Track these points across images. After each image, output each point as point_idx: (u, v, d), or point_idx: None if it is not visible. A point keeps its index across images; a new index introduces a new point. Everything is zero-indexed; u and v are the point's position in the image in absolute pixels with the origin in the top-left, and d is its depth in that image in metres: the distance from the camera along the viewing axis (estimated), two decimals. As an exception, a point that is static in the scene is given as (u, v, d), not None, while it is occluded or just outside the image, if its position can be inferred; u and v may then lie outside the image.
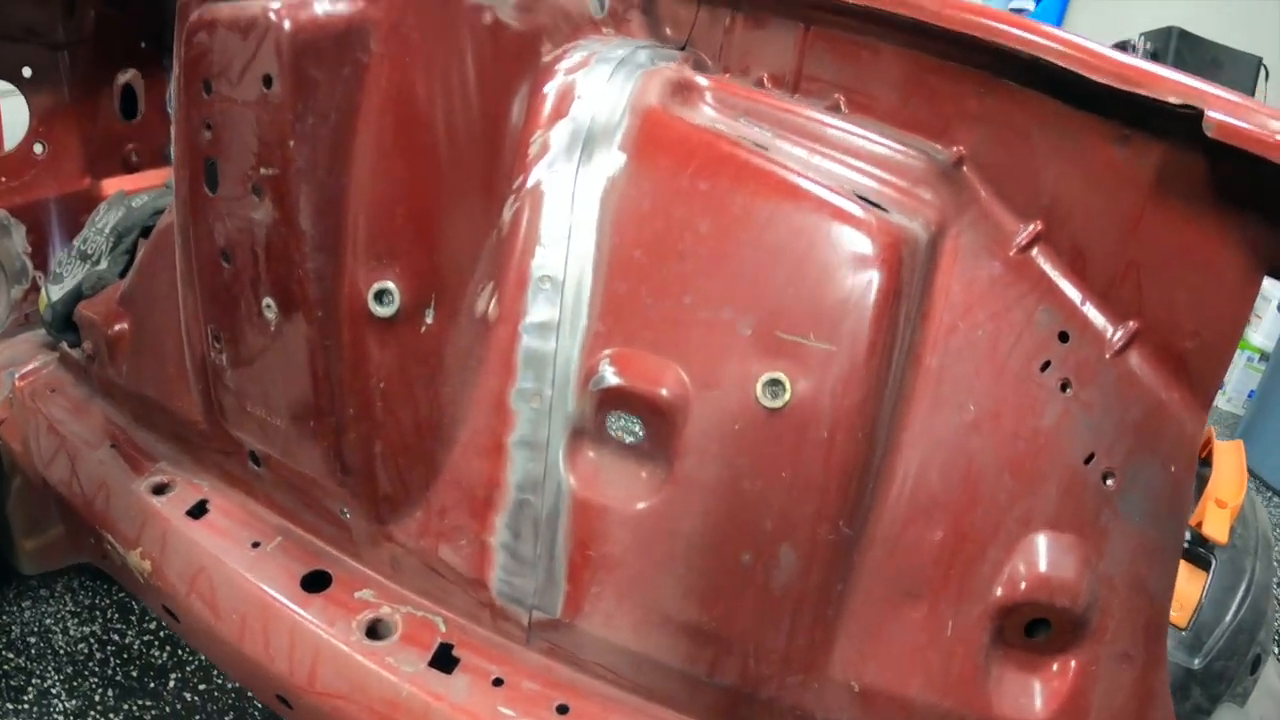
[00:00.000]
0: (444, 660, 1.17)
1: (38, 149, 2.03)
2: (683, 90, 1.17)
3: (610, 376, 1.04)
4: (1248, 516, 1.74)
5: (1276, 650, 1.79)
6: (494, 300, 1.12)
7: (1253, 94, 4.63)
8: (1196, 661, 1.54)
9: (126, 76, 2.15)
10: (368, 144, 1.03)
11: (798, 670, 1.08)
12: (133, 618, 2.13)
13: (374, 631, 1.19)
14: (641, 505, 1.06)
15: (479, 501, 1.12)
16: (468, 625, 1.19)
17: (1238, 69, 4.59)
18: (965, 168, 1.11)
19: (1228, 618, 1.58)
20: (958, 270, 1.07)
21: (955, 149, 1.11)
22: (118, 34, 2.09)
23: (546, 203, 1.11)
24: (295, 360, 1.11)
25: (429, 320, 1.10)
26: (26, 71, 2.01)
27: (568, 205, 1.10)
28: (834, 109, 1.20)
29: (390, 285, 1.06)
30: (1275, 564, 1.74)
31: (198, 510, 1.38)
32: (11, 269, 1.97)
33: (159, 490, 1.44)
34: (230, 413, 1.26)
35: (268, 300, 1.10)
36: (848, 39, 1.19)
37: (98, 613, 2.14)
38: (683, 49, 1.35)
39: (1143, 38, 4.57)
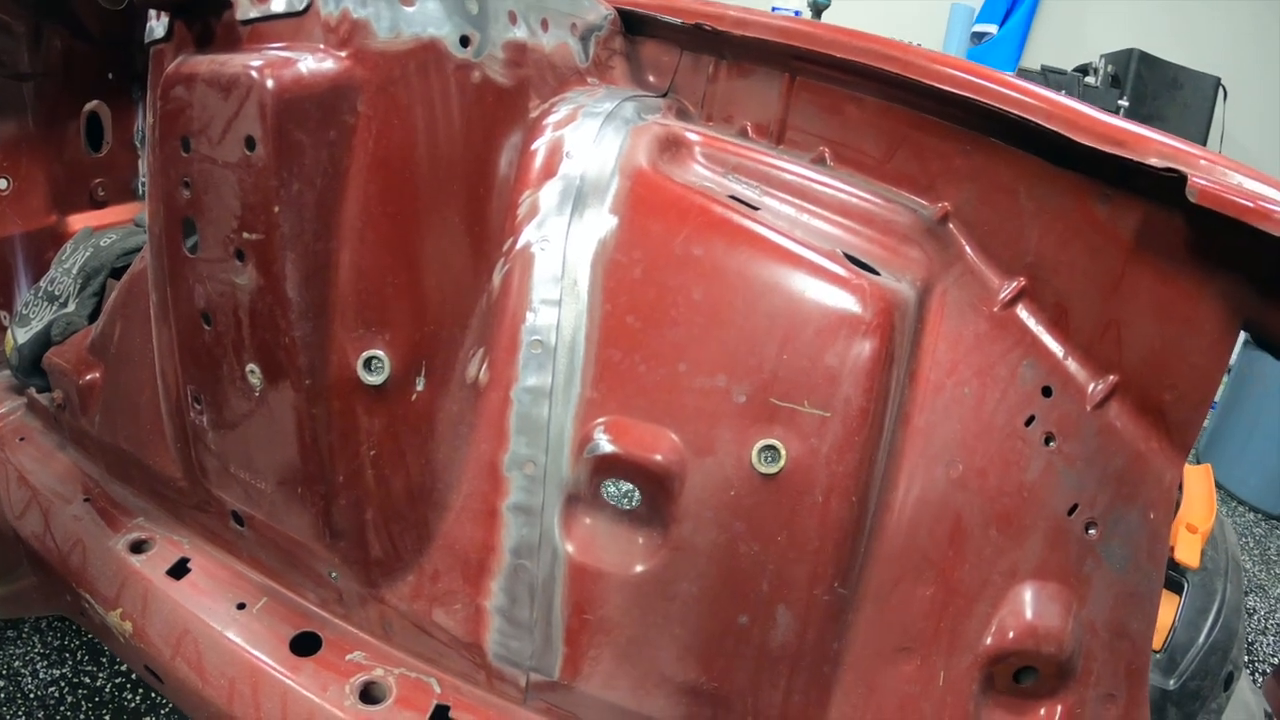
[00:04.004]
0: (440, 722, 1.14)
1: (1, 184, 1.94)
2: (671, 147, 1.14)
3: (605, 444, 1.01)
4: (1217, 538, 1.76)
5: (1248, 666, 1.81)
6: (485, 365, 1.08)
7: (1211, 112, 4.72)
8: (1171, 682, 1.56)
9: (92, 106, 2.08)
10: (355, 209, 0.99)
11: (796, 728, 1.06)
12: (103, 659, 2.07)
13: (368, 695, 1.15)
14: (638, 569, 1.03)
15: (473, 566, 1.09)
16: (463, 686, 1.15)
17: (1197, 89, 4.66)
18: (951, 224, 1.10)
19: (1201, 639, 1.61)
20: (944, 328, 1.07)
21: (941, 205, 1.10)
22: (84, 64, 2.01)
23: (537, 266, 1.07)
24: (281, 427, 1.06)
25: (419, 387, 1.06)
26: None
27: (559, 269, 1.06)
28: (819, 161, 1.18)
29: (380, 353, 1.02)
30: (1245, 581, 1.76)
31: (179, 569, 1.33)
32: (-28, 305, 1.90)
33: (137, 548, 1.38)
34: (212, 473, 1.21)
35: (251, 366, 1.05)
36: (833, 91, 1.17)
37: (67, 655, 2.07)
38: (665, 96, 1.32)
39: (1103, 59, 4.62)
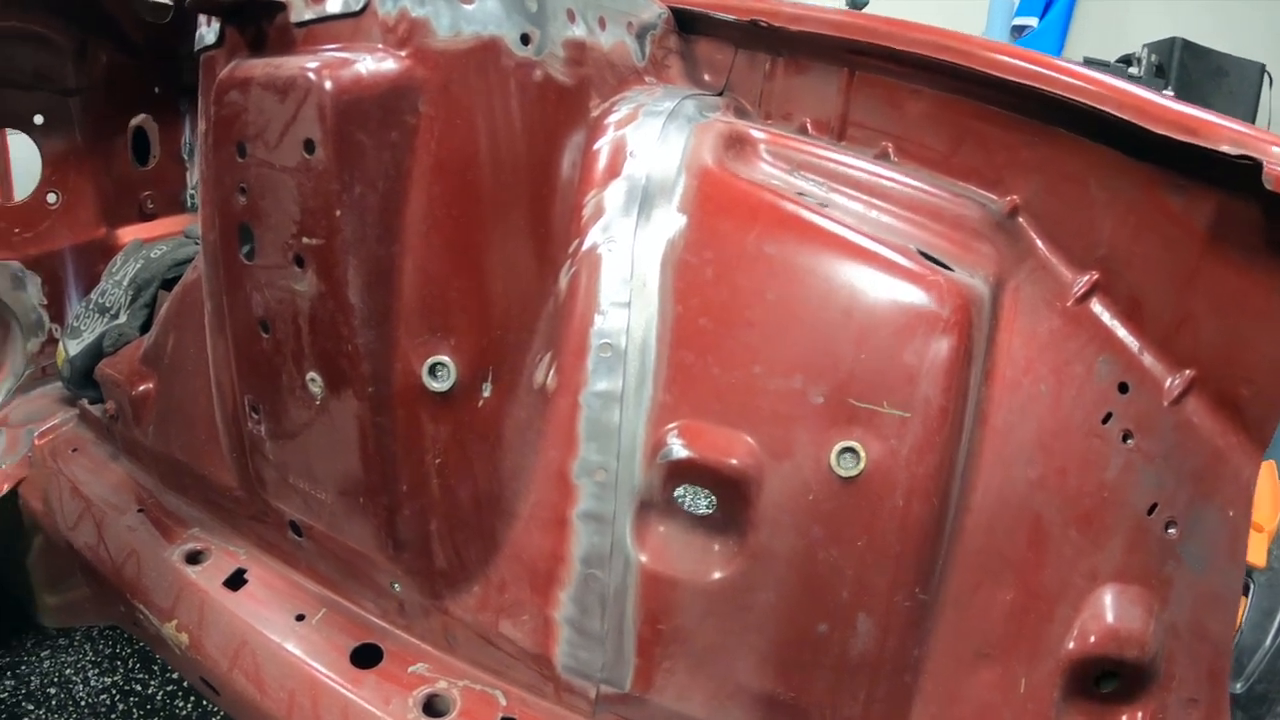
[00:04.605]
0: (506, 735, 1.08)
1: (51, 198, 1.90)
2: (737, 144, 1.08)
3: (679, 449, 0.95)
4: None
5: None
6: (553, 370, 1.02)
7: (1257, 99, 4.60)
8: (1238, 686, 1.49)
9: (139, 120, 2.03)
10: (418, 211, 0.93)
11: (877, 739, 1.00)
12: (155, 667, 2.01)
13: (431, 708, 1.09)
14: (714, 577, 0.97)
15: (541, 576, 1.02)
16: (529, 698, 1.09)
17: (1242, 76, 4.55)
18: (1020, 218, 1.04)
19: (1268, 641, 1.54)
20: (1018, 324, 1.01)
21: (1009, 198, 1.04)
22: (130, 79, 1.97)
23: (604, 267, 1.01)
24: (343, 436, 1.00)
25: (486, 393, 1.00)
26: (38, 119, 1.88)
27: (627, 270, 1.00)
28: (883, 157, 1.12)
29: (445, 359, 0.96)
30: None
31: (236, 580, 1.27)
32: (27, 321, 1.85)
33: (193, 558, 1.33)
34: (270, 484, 1.15)
35: (312, 374, 1.00)
36: (894, 85, 1.12)
37: (119, 663, 2.02)
38: (721, 95, 1.26)
39: (1146, 49, 4.51)
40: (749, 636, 0.98)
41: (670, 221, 1.01)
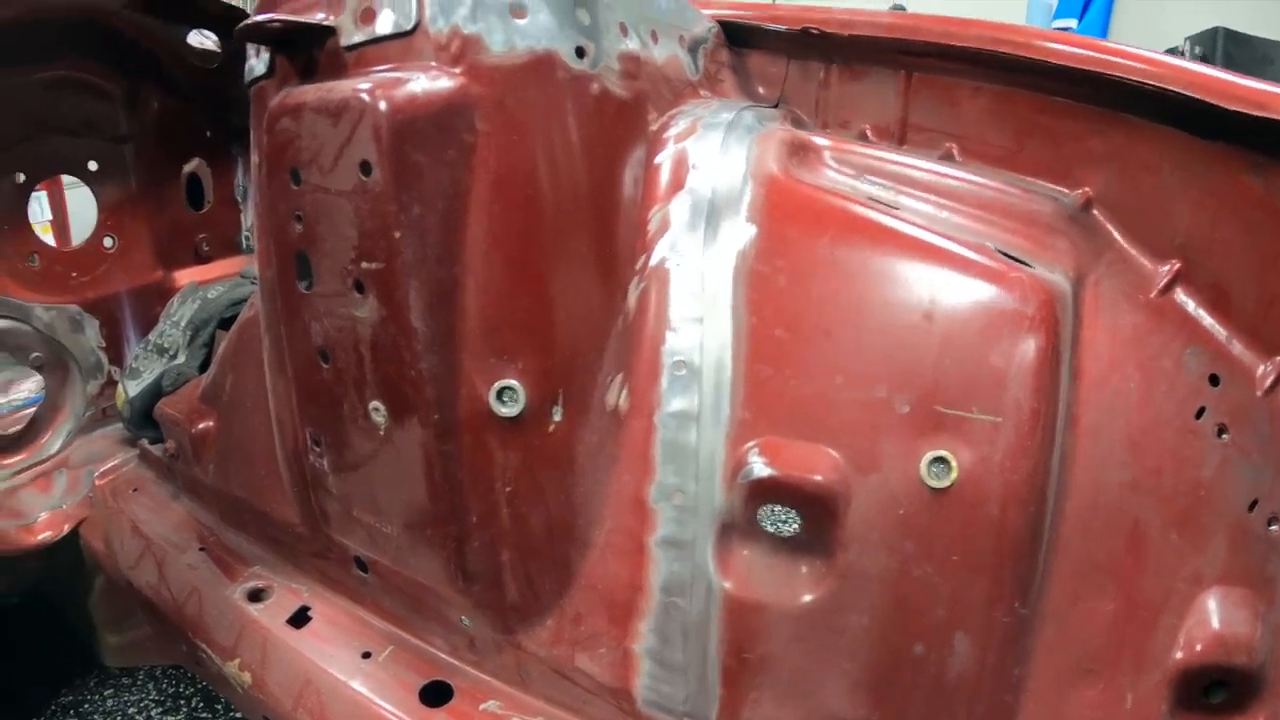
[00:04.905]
0: (585, 773, 1.02)
1: (107, 242, 1.90)
2: (800, 151, 1.02)
3: (761, 467, 0.89)
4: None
5: None
6: (625, 391, 0.96)
7: None
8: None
9: (192, 166, 2.03)
10: (479, 231, 0.89)
11: (978, 767, 0.92)
12: (219, 706, 1.98)
13: (505, 747, 1.03)
14: (802, 601, 0.90)
15: (620, 607, 0.96)
16: (607, 735, 1.03)
17: None
18: (1095, 210, 0.98)
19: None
20: (1101, 320, 0.94)
21: (1081, 191, 0.98)
22: (181, 124, 1.97)
23: (674, 282, 0.95)
24: (409, 466, 0.96)
25: (557, 417, 0.95)
26: (92, 165, 1.89)
27: (698, 284, 0.94)
28: (947, 158, 1.07)
29: (513, 383, 0.91)
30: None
31: (299, 618, 1.23)
32: (86, 364, 1.84)
33: (255, 596, 1.29)
34: (333, 518, 1.11)
35: (375, 403, 0.95)
36: (953, 84, 1.06)
37: (182, 702, 1.99)
38: (777, 106, 1.21)
39: (1189, 42, 4.40)
40: (840, 661, 0.91)
41: (739, 232, 0.95)
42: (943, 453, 0.85)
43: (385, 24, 0.92)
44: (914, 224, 0.94)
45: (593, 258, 0.97)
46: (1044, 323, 0.87)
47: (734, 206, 0.97)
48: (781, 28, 1.19)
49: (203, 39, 1.92)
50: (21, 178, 1.79)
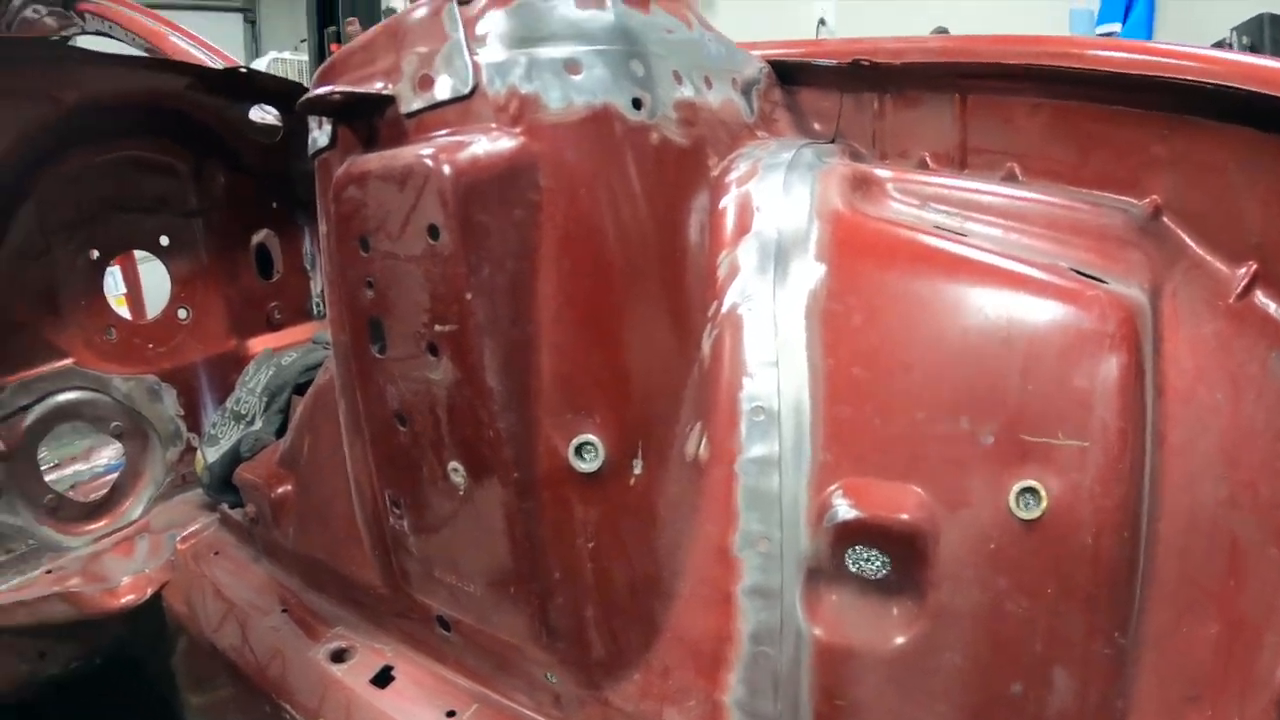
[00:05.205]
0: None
1: (181, 314, 1.94)
2: (863, 185, 1.01)
3: (846, 510, 0.86)
4: None
5: None
6: (704, 440, 0.94)
7: None
8: None
9: (260, 236, 2.07)
10: (550, 288, 0.88)
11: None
12: (306, 765, 1.97)
13: (595, 804, 1.00)
14: (894, 644, 0.87)
15: (707, 658, 0.94)
16: (700, 788, 1.00)
17: None
18: (1165, 218, 0.94)
19: None
20: (1182, 331, 0.91)
21: (1149, 199, 0.95)
22: (248, 197, 2.01)
23: (747, 327, 0.94)
24: (490, 525, 0.94)
25: (637, 470, 0.93)
26: (164, 240, 1.94)
27: (770, 328, 0.93)
28: (1010, 178, 1.04)
29: (592, 438, 0.90)
30: None
31: (383, 678, 1.21)
32: (165, 432, 1.87)
33: (338, 657, 1.28)
34: (415, 578, 1.10)
35: (454, 464, 0.95)
36: (1009, 103, 1.04)
37: (272, 762, 1.99)
38: (834, 141, 1.19)
39: (1235, 32, 4.30)
40: (935, 704, 0.87)
41: (809, 272, 0.93)
42: (1031, 483, 0.82)
43: (443, 89, 0.93)
44: (984, 249, 0.92)
45: (664, 307, 0.96)
46: (1125, 340, 0.84)
47: (801, 246, 0.95)
48: (831, 62, 1.18)
49: (264, 114, 1.97)
50: (96, 254, 1.84)
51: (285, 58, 7.92)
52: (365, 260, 0.96)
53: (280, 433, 1.60)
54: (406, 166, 0.90)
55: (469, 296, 0.87)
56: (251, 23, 10.00)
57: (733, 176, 1.03)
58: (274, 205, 2.05)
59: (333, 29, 5.00)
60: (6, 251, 1.72)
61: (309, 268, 2.12)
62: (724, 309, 0.96)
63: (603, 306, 0.91)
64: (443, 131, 0.92)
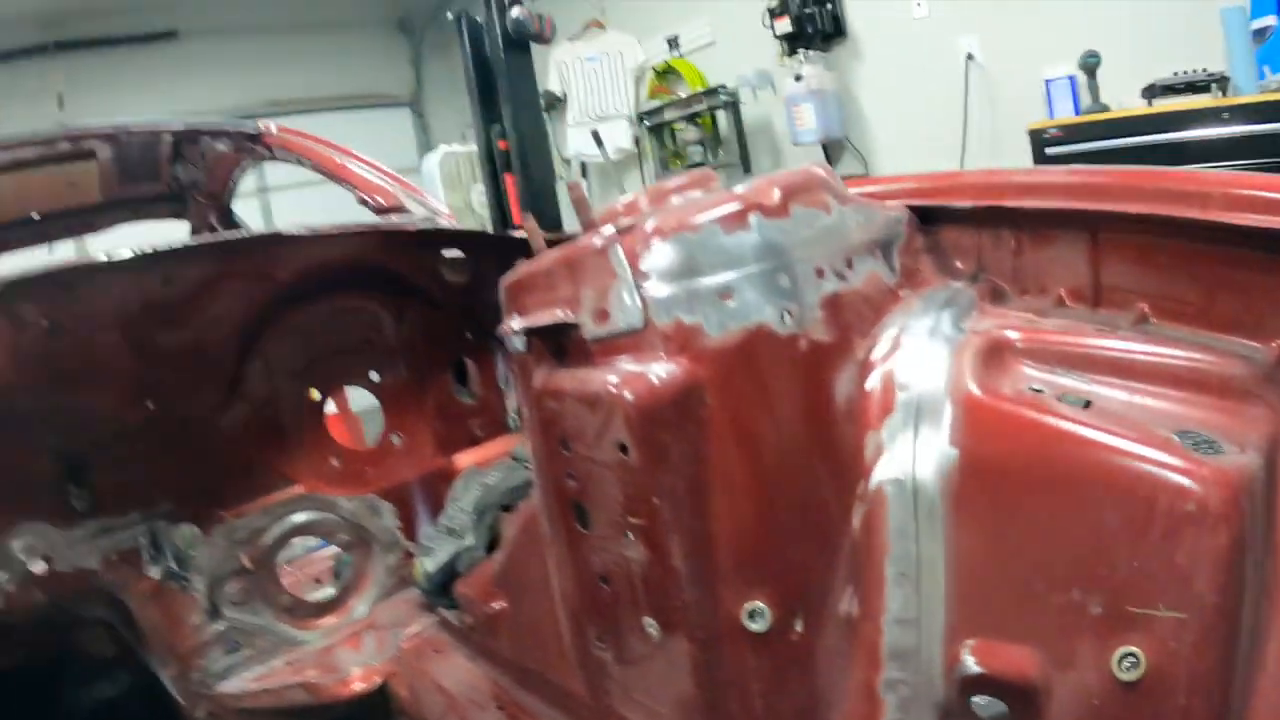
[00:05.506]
0: None
1: (394, 440, 2.26)
2: (995, 357, 1.11)
3: (972, 665, 1.03)
4: None
5: None
6: (855, 601, 1.12)
7: None
8: None
9: (458, 362, 2.35)
10: (721, 486, 1.10)
11: None
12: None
13: None
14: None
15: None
16: None
17: None
18: None
19: None
20: None
21: (1274, 345, 1.01)
22: (444, 330, 2.30)
23: (890, 504, 1.09)
24: (678, 668, 1.16)
25: (798, 628, 1.13)
26: (373, 375, 2.27)
27: (911, 505, 1.08)
28: (1141, 320, 1.12)
29: (761, 604, 1.10)
30: None
31: None
32: (385, 541, 2.19)
33: None
34: (616, 696, 1.32)
35: (648, 619, 1.17)
36: (1140, 242, 1.12)
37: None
38: (975, 279, 1.30)
39: None
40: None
41: (944, 454, 1.07)
42: (1132, 649, 0.94)
43: (618, 322, 1.14)
44: (1104, 427, 1.00)
45: (821, 491, 1.13)
46: (1226, 519, 0.92)
47: (937, 428, 1.08)
48: (967, 205, 1.28)
49: (454, 252, 2.26)
50: (317, 395, 2.19)
51: (455, 150, 8.40)
52: (566, 458, 1.21)
53: (490, 547, 1.87)
54: (596, 393, 1.13)
55: (655, 500, 1.10)
56: (419, 114, 10.76)
57: (876, 355, 1.15)
58: (467, 335, 2.33)
59: (497, 126, 5.42)
60: (243, 403, 2.08)
61: (504, 386, 2.38)
62: (871, 487, 1.10)
63: (767, 495, 1.12)
64: (622, 357, 1.14)
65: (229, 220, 3.36)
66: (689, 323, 1.11)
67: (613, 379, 1.12)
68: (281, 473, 2.12)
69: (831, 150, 6.45)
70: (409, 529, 2.22)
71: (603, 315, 1.17)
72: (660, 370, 1.10)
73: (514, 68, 5.46)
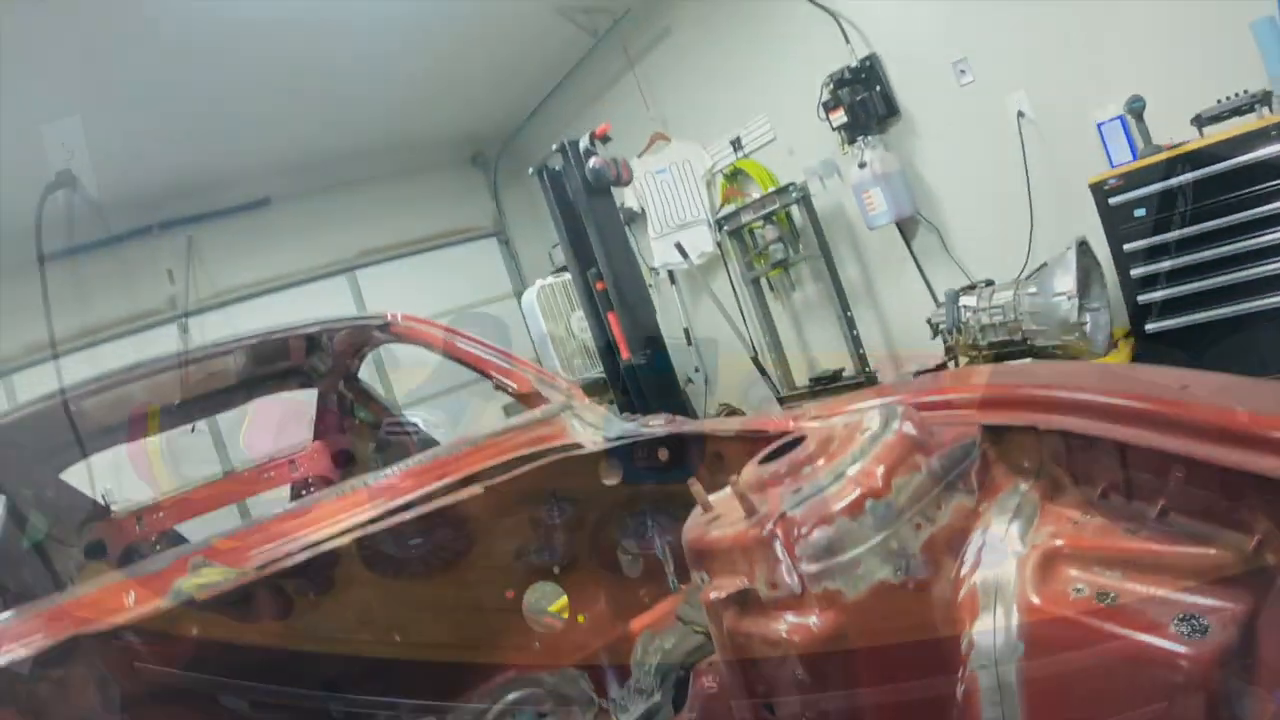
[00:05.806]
0: None
1: (580, 618, 2.71)
2: (1046, 566, 1.46)
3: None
4: None
5: None
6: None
7: None
8: None
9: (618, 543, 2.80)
10: (867, 691, 1.52)
11: None
12: None
13: None
14: None
15: None
16: None
17: None
18: (1267, 553, 1.25)
19: None
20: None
21: (1254, 538, 1.27)
22: (607, 520, 2.77)
23: (981, 685, 1.46)
24: None
25: None
26: (555, 569, 2.73)
27: (995, 685, 1.45)
28: (1162, 514, 1.42)
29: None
30: None
31: None
32: (583, 701, 2.58)
33: None
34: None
35: None
36: (1160, 461, 1.41)
37: None
38: (1037, 476, 1.61)
39: None
40: None
41: (1015, 648, 1.45)
42: None
43: (784, 590, 1.55)
44: (1124, 621, 1.36)
45: (936, 679, 1.53)
46: (1204, 684, 1.21)
47: (1009, 626, 1.46)
48: (1020, 424, 1.62)
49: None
50: (511, 594, 2.63)
51: (549, 282, 8.78)
52: (756, 674, 1.69)
53: (677, 704, 2.32)
54: (775, 639, 1.54)
55: (822, 705, 1.57)
56: (505, 242, 11.17)
57: (965, 569, 1.51)
58: (626, 519, 2.79)
59: (594, 270, 5.80)
60: (456, 605, 2.57)
61: (660, 556, 2.73)
62: (968, 672, 1.49)
63: (895, 691, 1.52)
64: (789, 614, 1.55)
65: (356, 387, 4.04)
66: (832, 589, 1.51)
67: (784, 628, 1.55)
68: (494, 662, 2.58)
69: (905, 227, 6.50)
70: (600, 687, 2.56)
71: (773, 585, 1.52)
72: (817, 621, 1.52)
73: (599, 212, 5.90)
